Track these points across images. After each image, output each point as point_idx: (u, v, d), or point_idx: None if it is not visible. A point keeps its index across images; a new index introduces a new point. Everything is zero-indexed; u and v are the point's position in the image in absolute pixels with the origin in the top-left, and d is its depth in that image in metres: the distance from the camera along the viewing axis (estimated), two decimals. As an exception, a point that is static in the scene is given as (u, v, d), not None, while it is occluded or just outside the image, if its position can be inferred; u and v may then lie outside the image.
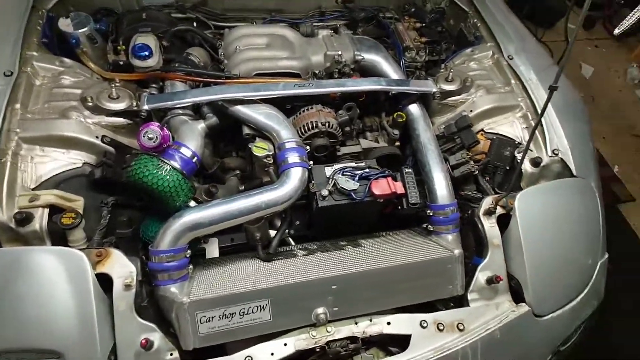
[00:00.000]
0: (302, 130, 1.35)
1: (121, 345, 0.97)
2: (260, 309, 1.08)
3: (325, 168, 1.31)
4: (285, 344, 1.06)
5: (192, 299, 1.04)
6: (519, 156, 1.40)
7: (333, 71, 1.47)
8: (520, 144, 1.44)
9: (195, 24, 1.55)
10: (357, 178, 1.27)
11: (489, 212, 1.28)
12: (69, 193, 1.10)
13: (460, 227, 1.34)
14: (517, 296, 1.23)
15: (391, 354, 1.12)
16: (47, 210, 1.04)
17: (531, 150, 1.42)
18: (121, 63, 1.34)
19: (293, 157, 1.23)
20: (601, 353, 2.03)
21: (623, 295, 2.16)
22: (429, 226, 1.34)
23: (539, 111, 1.44)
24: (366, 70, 1.54)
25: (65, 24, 1.31)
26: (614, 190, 2.83)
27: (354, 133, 1.49)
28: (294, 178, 1.21)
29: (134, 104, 1.23)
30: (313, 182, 1.26)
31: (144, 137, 1.10)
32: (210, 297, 1.05)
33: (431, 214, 1.32)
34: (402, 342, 1.12)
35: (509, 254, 1.25)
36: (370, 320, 1.13)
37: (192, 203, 1.24)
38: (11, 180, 1.04)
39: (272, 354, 1.04)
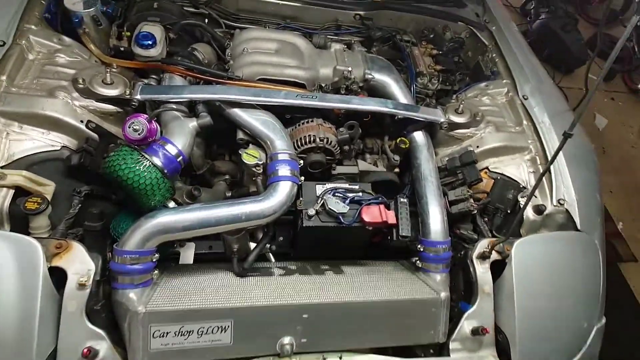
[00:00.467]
0: (299, 143, 1.29)
1: (62, 351, 0.88)
2: (221, 330, 0.99)
3: (317, 186, 1.24)
4: (242, 373, 0.97)
5: (149, 309, 0.95)
6: (522, 201, 1.33)
7: (341, 87, 1.41)
8: (524, 187, 1.37)
9: (206, 20, 1.51)
10: (348, 201, 1.19)
11: (483, 256, 1.20)
12: (41, 177, 1.03)
13: (451, 268, 1.25)
14: (503, 352, 1.13)
15: (357, 398, 1.03)
16: (12, 192, 0.97)
17: (535, 197, 1.34)
18: (122, 49, 1.29)
19: (284, 170, 1.16)
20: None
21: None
22: (418, 262, 1.25)
23: (549, 156, 1.39)
24: (375, 91, 1.48)
25: (71, 2, 1.26)
26: (616, 248, 2.73)
27: (353, 153, 1.43)
28: (281, 192, 1.14)
29: (128, 92, 1.17)
30: (301, 199, 1.19)
31: (129, 127, 1.04)
32: (169, 309, 0.96)
33: (422, 249, 1.24)
34: (371, 386, 1.03)
35: (500, 304, 1.16)
36: (340, 358, 1.04)
37: (172, 204, 1.17)
38: (-20, 153, 0.98)
39: (226, 382, 0.95)
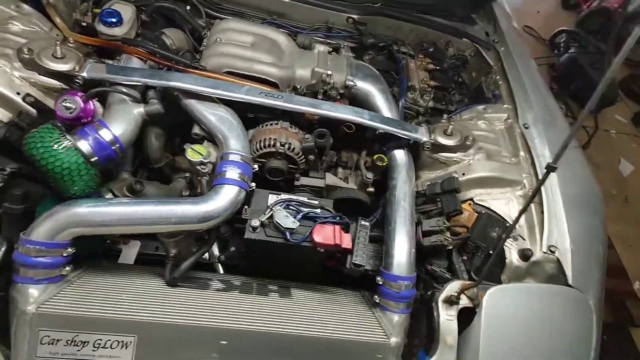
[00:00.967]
0: (258, 146, 1.16)
1: None
2: (122, 346, 0.85)
3: (270, 195, 1.10)
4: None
5: (40, 310, 0.83)
6: (509, 243, 1.14)
7: (318, 91, 1.29)
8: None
9: (188, 8, 1.43)
10: (300, 216, 1.05)
11: (451, 301, 1.02)
12: (-39, 147, 0.95)
13: (414, 309, 1.08)
14: (458, 420, 0.94)
15: None
16: None
17: (523, 239, 1.16)
18: (84, 24, 1.21)
19: (231, 172, 1.03)
20: None
21: None
22: (376, 297, 1.09)
23: (545, 195, 1.20)
24: (357, 100, 1.35)
25: (40, -29, 1.20)
26: (630, 310, 2.43)
27: (324, 165, 1.29)
28: (224, 197, 1.01)
29: (78, 69, 1.08)
30: (248, 207, 1.05)
31: (61, 104, 0.94)
32: (65, 313, 0.84)
33: (381, 282, 1.07)
34: None
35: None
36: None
37: (109, 195, 1.06)
38: None
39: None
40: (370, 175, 1.26)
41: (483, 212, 1.21)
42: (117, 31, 1.19)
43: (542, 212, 1.18)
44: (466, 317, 1.03)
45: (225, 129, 1.10)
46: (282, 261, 1.16)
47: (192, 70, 1.15)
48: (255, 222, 1.02)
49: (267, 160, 1.18)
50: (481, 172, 1.25)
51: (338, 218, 1.08)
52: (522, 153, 1.31)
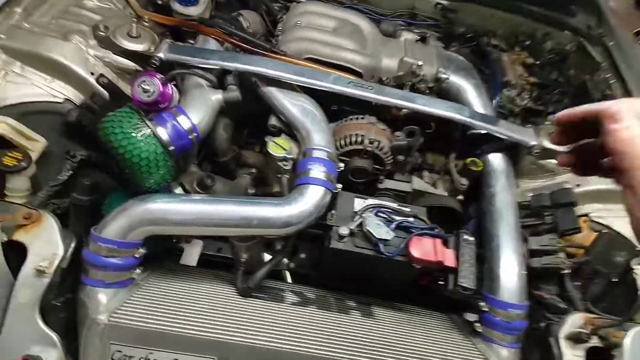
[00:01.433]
0: (342, 143, 1.02)
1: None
2: (200, 367, 0.73)
3: (356, 199, 0.96)
4: None
5: (113, 321, 0.72)
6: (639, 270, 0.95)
7: (405, 83, 1.13)
8: (640, 251, 0.99)
9: (263, -11, 1.31)
10: (393, 225, 0.90)
11: (578, 339, 0.84)
12: (32, 130, 0.87)
13: (523, 343, 0.91)
14: None
15: None
16: (-10, 140, 0.81)
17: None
18: (160, 2, 1.12)
19: (317, 171, 0.90)
20: None
21: None
22: (477, 325, 0.92)
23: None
24: (447, 96, 1.18)
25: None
26: None
27: (408, 167, 1.13)
28: (309, 199, 0.87)
29: (153, 49, 0.99)
30: (334, 212, 0.92)
31: (138, 87, 0.84)
32: (139, 326, 0.73)
33: (486, 309, 0.91)
34: None
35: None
36: None
37: (179, 190, 0.96)
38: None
39: None
40: (464, 181, 1.09)
41: (604, 231, 1.02)
42: (193, 10, 1.09)
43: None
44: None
45: (309, 121, 0.97)
46: (364, 275, 1.01)
47: (273, 55, 1.03)
48: (344, 230, 0.88)
49: (350, 159, 1.04)
50: (599, 184, 1.06)
51: (437, 230, 0.92)
52: (648, 164, 1.10)
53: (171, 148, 0.85)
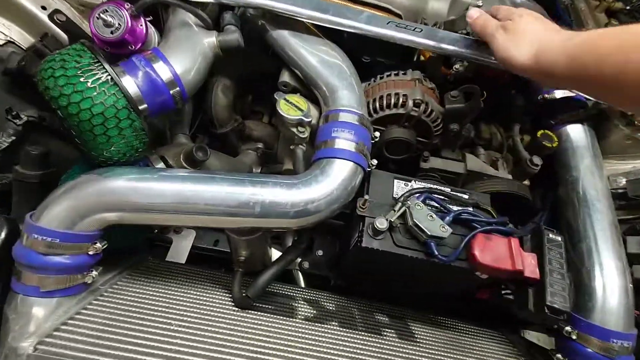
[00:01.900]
0: (377, 106, 0.76)
1: None
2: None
3: (396, 180, 0.71)
4: None
5: (42, 348, 0.49)
6: None
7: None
8: None
9: None
10: (449, 218, 0.64)
11: None
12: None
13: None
14: None
15: None
16: None
17: None
18: None
19: (344, 141, 0.65)
20: None
21: None
22: (559, 356, 0.67)
23: None
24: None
25: None
26: None
27: (460, 141, 0.87)
28: (334, 179, 0.63)
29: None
30: (367, 197, 0.66)
31: (97, 18, 0.60)
32: (84, 355, 0.50)
33: (574, 337, 0.65)
34: None
35: None
36: None
37: (160, 165, 0.72)
38: None
39: None
40: (538, 160, 0.82)
41: None
42: None
43: None
44: None
45: (334, 76, 0.71)
46: (402, 284, 0.77)
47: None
48: (382, 223, 0.62)
49: (386, 128, 0.78)
50: None
51: (511, 226, 0.66)
52: None
53: (143, 106, 0.60)
